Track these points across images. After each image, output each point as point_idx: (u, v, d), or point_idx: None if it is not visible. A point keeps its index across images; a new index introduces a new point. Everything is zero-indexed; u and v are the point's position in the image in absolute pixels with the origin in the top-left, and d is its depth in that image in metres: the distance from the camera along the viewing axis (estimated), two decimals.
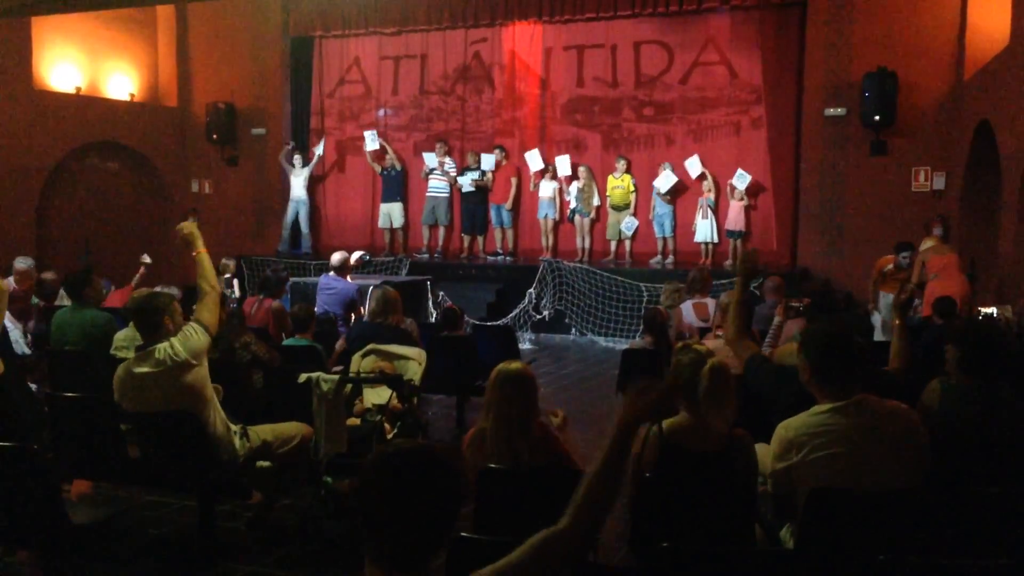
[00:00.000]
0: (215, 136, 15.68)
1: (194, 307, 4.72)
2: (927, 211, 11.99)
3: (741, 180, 13.09)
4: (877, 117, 12.01)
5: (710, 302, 7.93)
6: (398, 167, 14.97)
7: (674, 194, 13.58)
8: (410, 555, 1.80)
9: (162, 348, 4.49)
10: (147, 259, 10.14)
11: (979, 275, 10.23)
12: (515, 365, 3.84)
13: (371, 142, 14.97)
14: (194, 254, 4.82)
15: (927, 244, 9.67)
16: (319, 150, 15.33)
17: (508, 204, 14.32)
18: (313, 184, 15.55)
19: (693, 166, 13.43)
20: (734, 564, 2.94)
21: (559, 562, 1.95)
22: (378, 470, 1.82)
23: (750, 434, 3.73)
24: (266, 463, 4.81)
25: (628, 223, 13.66)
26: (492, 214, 14.47)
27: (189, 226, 4.90)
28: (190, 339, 4.53)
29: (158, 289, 7.35)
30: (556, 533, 1.96)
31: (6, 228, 13.19)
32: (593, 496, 2.01)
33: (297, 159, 15.08)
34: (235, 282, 11.10)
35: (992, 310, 7.61)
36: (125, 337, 6.25)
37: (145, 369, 4.50)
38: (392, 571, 1.80)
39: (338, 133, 16.00)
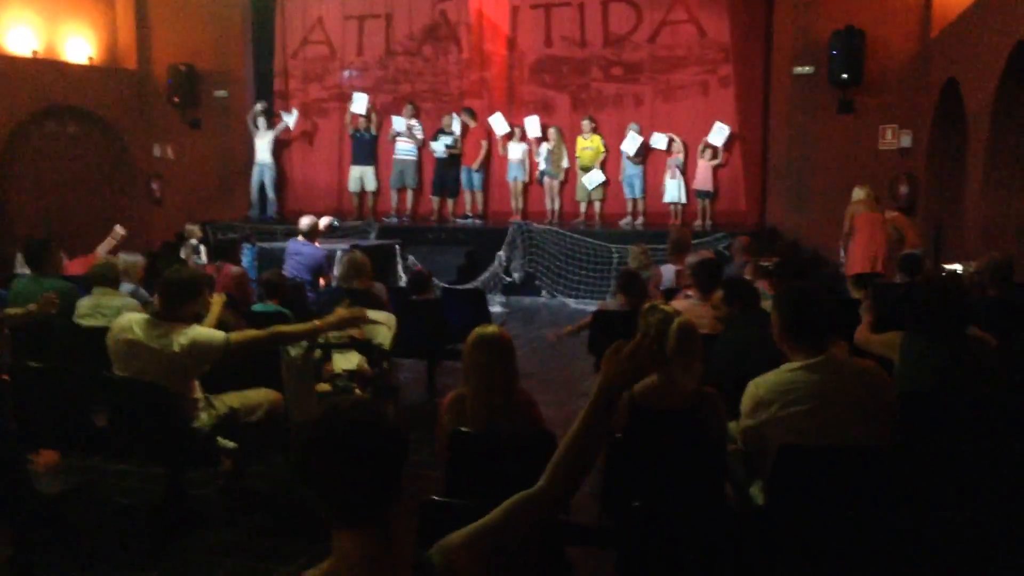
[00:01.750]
0: (176, 99, 15.37)
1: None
2: (894, 169, 12.08)
3: (719, 135, 13.08)
4: (845, 75, 12.03)
5: None
6: (374, 132, 14.76)
7: (643, 155, 13.54)
8: (368, 506, 1.79)
9: (177, 333, 4.40)
10: (120, 230, 9.93)
11: (945, 232, 10.34)
12: (491, 329, 3.83)
13: (359, 105, 14.63)
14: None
15: (859, 195, 9.59)
16: (290, 121, 14.96)
17: (475, 165, 14.20)
18: (279, 148, 15.31)
19: (659, 140, 13.42)
20: (704, 522, 2.96)
21: (532, 523, 1.95)
22: (312, 435, 1.82)
23: (720, 392, 3.75)
24: (230, 443, 4.73)
25: (591, 177, 13.57)
26: (463, 177, 14.37)
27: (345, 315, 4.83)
28: (202, 343, 4.42)
29: (122, 256, 7.23)
30: (533, 496, 1.96)
31: None
32: (571, 461, 2.02)
33: (262, 121, 14.82)
34: (202, 248, 10.95)
35: (957, 267, 7.68)
36: (88, 305, 6.15)
37: (146, 340, 4.43)
38: (355, 526, 1.79)
39: (302, 95, 15.73)
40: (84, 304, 6.20)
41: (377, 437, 1.81)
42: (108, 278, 6.38)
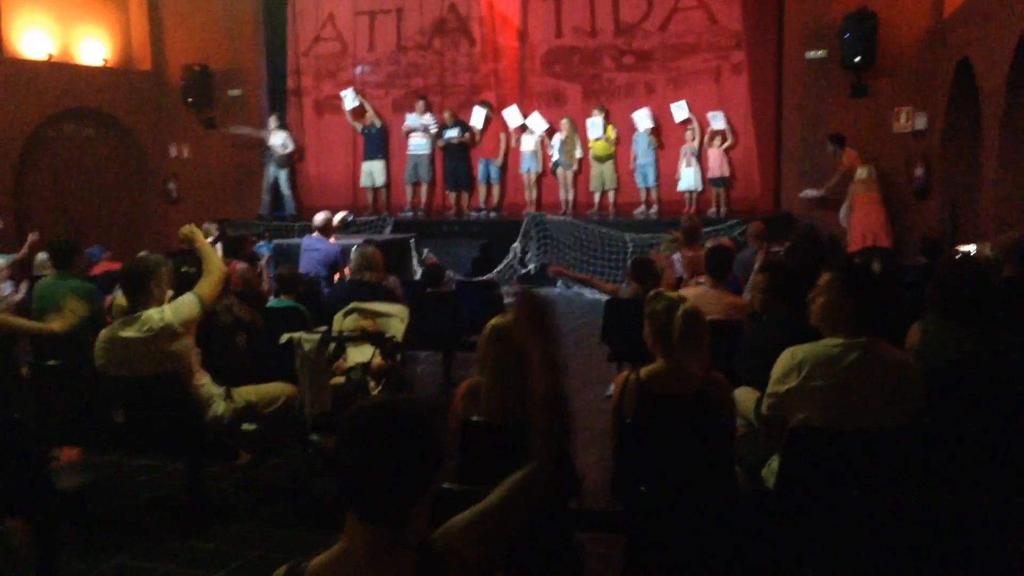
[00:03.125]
0: (191, 99, 15.47)
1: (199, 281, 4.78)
2: (909, 152, 11.99)
3: (716, 120, 13.10)
4: (857, 58, 11.93)
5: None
6: (378, 124, 14.84)
7: (656, 142, 13.51)
8: (389, 508, 1.82)
9: (150, 314, 4.49)
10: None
11: (960, 213, 10.27)
12: (508, 320, 3.85)
13: (350, 101, 14.83)
14: (196, 246, 4.91)
15: (861, 175, 9.76)
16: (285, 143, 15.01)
17: (498, 160, 14.25)
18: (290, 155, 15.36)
19: (680, 110, 13.34)
20: (715, 505, 2.98)
21: (533, 501, 1.96)
22: (356, 424, 1.83)
23: (727, 378, 3.76)
24: (252, 426, 4.83)
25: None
26: (479, 169, 14.40)
27: (187, 228, 4.96)
28: (182, 308, 4.56)
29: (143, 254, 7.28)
30: (526, 473, 1.97)
31: None
32: (543, 424, 2.01)
33: (272, 119, 14.91)
34: (219, 246, 11.01)
35: (971, 247, 7.64)
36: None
37: (131, 334, 4.51)
38: (372, 523, 1.81)
39: (316, 92, 15.80)
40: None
41: (418, 442, 1.83)
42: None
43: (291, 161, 15.19)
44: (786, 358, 3.47)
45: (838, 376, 3.34)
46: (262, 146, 15.00)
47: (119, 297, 5.34)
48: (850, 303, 3.41)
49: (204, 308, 4.65)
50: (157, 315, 4.50)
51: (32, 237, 9.59)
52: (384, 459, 1.79)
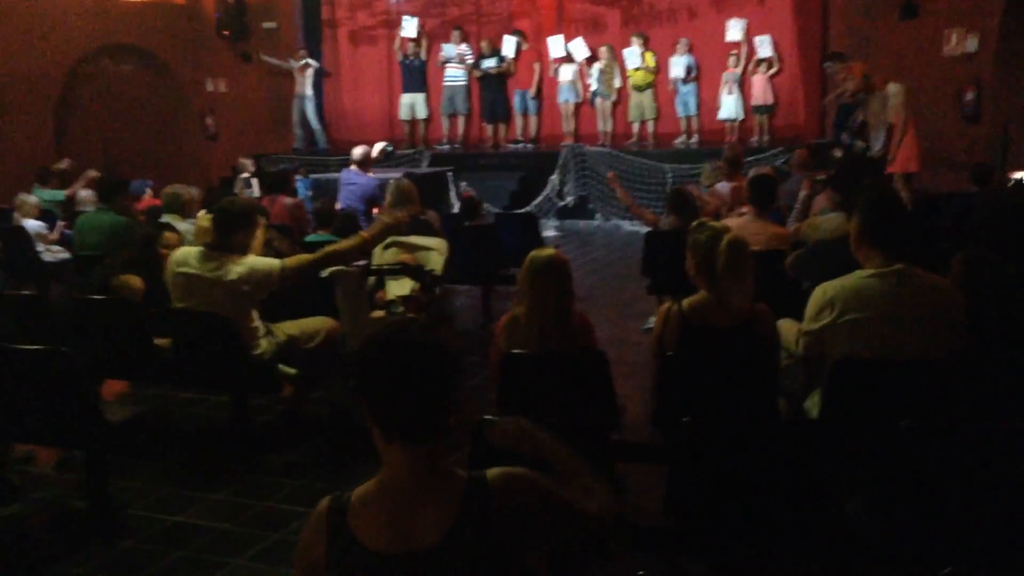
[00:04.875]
0: (226, 32, 15.37)
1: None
2: (959, 75, 11.59)
3: (763, 45, 12.71)
4: None
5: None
6: (423, 58, 14.60)
7: (696, 73, 13.20)
8: (419, 422, 1.83)
9: (228, 262, 4.48)
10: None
11: (1013, 138, 9.97)
12: (547, 251, 3.82)
13: (409, 28, 14.42)
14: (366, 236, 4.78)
15: (898, 94, 9.41)
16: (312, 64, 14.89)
17: (532, 91, 14.04)
18: (320, 79, 15.26)
19: (736, 29, 12.86)
20: (757, 435, 2.96)
21: (587, 535, 1.97)
22: (375, 346, 1.86)
23: (770, 309, 3.70)
24: (291, 370, 4.84)
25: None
26: (516, 101, 14.20)
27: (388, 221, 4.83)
28: (259, 270, 4.50)
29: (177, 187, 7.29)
30: (596, 509, 1.97)
31: (26, 133, 13.23)
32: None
33: (303, 53, 14.79)
34: (254, 181, 11.05)
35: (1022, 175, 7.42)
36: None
37: (201, 271, 4.52)
38: (405, 442, 1.83)
39: (350, 23, 15.62)
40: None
41: (432, 358, 1.84)
42: (176, 206, 6.72)
43: (319, 82, 15.01)
44: (818, 295, 3.41)
45: (873, 307, 3.28)
46: (290, 76, 14.90)
47: (202, 217, 5.28)
48: (880, 226, 3.32)
49: (281, 278, 4.54)
50: (235, 267, 4.47)
51: (90, 173, 9.68)
52: (405, 371, 1.82)
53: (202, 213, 5.46)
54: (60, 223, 8.62)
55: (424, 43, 14.56)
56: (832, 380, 3.36)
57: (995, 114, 10.95)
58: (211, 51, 15.75)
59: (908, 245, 3.42)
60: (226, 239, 4.57)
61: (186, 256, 4.65)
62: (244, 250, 4.57)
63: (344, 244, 4.82)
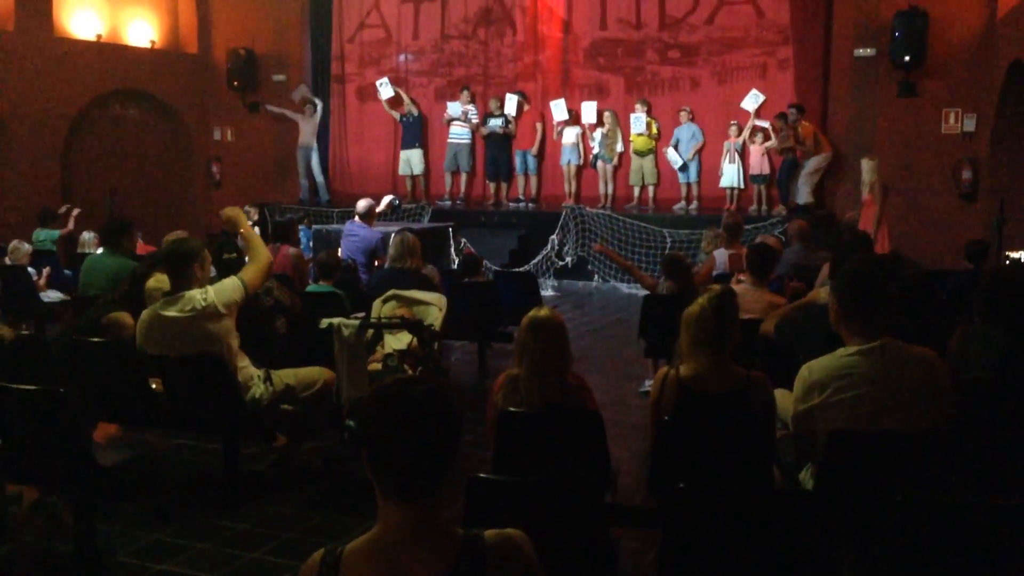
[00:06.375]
0: (236, 83, 15.61)
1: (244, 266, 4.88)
2: (956, 154, 11.77)
3: (752, 101, 12.91)
4: (907, 57, 11.71)
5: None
6: (415, 113, 14.83)
7: (700, 139, 13.39)
8: (415, 483, 1.83)
9: (192, 294, 4.55)
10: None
11: (1008, 219, 10.08)
12: (545, 311, 3.85)
13: (385, 90, 14.79)
14: (241, 231, 4.99)
15: (873, 170, 9.89)
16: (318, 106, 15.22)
17: (534, 150, 14.23)
18: (324, 131, 15.47)
19: (751, 100, 13.02)
20: (751, 504, 2.95)
21: None
22: (378, 401, 1.87)
23: (768, 378, 3.72)
24: (289, 406, 4.87)
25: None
26: (517, 160, 14.38)
27: (231, 210, 5.03)
28: (225, 290, 4.63)
29: (180, 234, 7.36)
30: None
31: (32, 176, 13.33)
32: None
33: (309, 108, 15.02)
34: (256, 230, 11.11)
35: (1021, 254, 7.49)
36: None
37: (173, 313, 4.57)
38: (401, 499, 1.83)
39: (359, 79, 15.87)
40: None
41: (438, 420, 1.85)
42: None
43: (324, 133, 15.23)
44: (804, 375, 3.40)
45: (861, 385, 3.28)
46: (296, 126, 15.11)
47: (155, 279, 5.38)
48: (858, 307, 3.33)
49: (247, 293, 4.70)
50: (200, 295, 4.56)
51: (75, 211, 9.81)
52: (406, 428, 1.82)
53: (157, 275, 5.41)
54: (45, 270, 8.66)
55: (406, 97, 14.76)
56: (827, 452, 3.36)
57: (991, 193, 11.10)
58: (220, 101, 15.98)
59: (891, 316, 3.42)
60: (183, 277, 4.64)
61: (151, 311, 4.70)
62: (202, 282, 4.67)
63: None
